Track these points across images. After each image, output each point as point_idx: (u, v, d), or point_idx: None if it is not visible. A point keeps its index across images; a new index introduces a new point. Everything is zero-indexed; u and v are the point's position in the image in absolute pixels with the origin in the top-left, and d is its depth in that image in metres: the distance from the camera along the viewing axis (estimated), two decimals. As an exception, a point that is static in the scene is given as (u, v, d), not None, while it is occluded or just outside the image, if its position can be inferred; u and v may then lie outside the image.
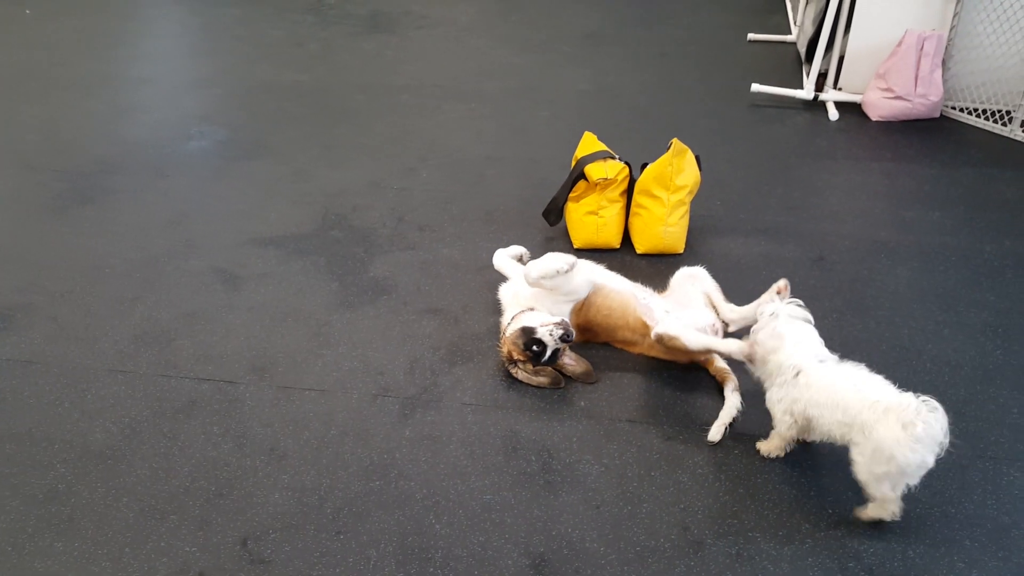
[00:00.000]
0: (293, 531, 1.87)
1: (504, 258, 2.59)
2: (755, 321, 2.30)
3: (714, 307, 2.37)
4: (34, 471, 2.05)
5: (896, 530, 1.83)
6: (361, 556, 1.81)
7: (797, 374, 1.86)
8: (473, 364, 2.35)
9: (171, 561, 1.81)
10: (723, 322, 2.34)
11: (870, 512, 1.82)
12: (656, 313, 2.30)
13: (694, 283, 2.40)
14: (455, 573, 1.77)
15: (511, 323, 2.29)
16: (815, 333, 1.95)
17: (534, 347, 2.18)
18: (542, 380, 2.23)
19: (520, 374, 2.24)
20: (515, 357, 2.23)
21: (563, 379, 2.25)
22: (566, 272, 2.25)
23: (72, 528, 1.89)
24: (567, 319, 2.27)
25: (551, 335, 2.17)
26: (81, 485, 2.01)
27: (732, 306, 2.36)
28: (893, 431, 1.66)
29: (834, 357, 1.91)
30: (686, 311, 2.32)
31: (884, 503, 1.78)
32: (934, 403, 1.67)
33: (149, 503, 1.95)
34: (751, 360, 1.98)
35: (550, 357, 2.20)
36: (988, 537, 1.81)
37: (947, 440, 1.68)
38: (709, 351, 2.16)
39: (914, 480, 1.74)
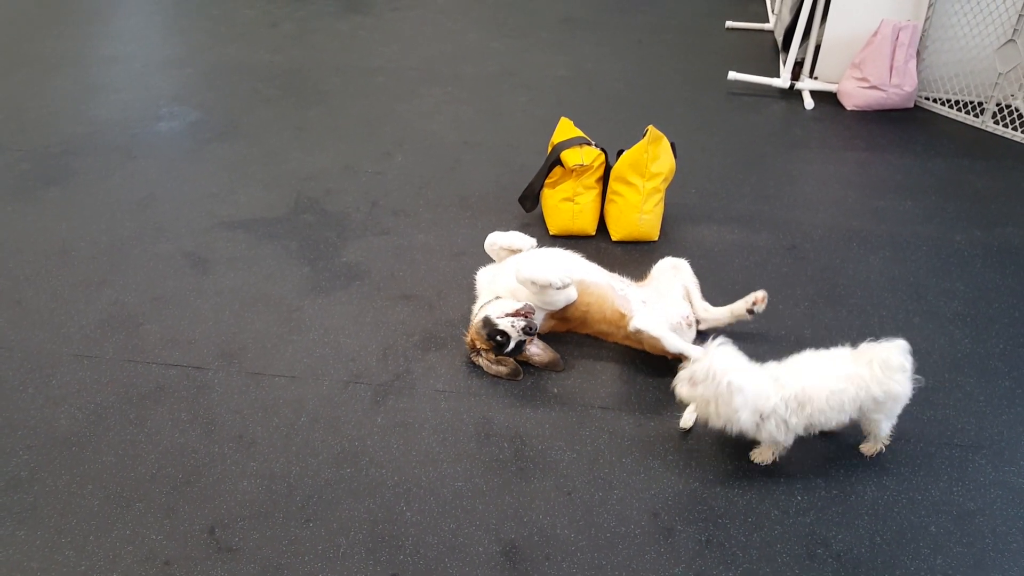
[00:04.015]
0: (262, 519, 1.85)
1: (500, 242, 2.44)
2: (727, 322, 2.35)
3: (690, 301, 2.37)
4: (-5, 458, 2.00)
5: (863, 516, 1.85)
6: (331, 544, 1.79)
7: (776, 379, 1.86)
8: (447, 351, 2.33)
9: (136, 549, 1.78)
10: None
11: (873, 447, 1.99)
12: (633, 304, 2.30)
13: (675, 274, 2.41)
14: (425, 560, 1.76)
15: (479, 311, 2.28)
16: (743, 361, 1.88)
17: (498, 337, 2.16)
18: (501, 370, 2.22)
19: (482, 362, 2.23)
20: (479, 346, 2.22)
21: (522, 371, 2.23)
22: (558, 288, 2.20)
23: (35, 516, 1.86)
24: (531, 305, 2.24)
25: (514, 326, 2.15)
26: (45, 472, 1.96)
27: (707, 305, 2.37)
28: (899, 381, 1.83)
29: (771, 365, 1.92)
30: (662, 301, 2.33)
31: (884, 437, 1.97)
32: (888, 341, 1.85)
33: (115, 490, 1.92)
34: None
35: (514, 348, 2.18)
36: (953, 523, 1.84)
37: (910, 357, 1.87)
38: (686, 358, 2.16)
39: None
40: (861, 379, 1.82)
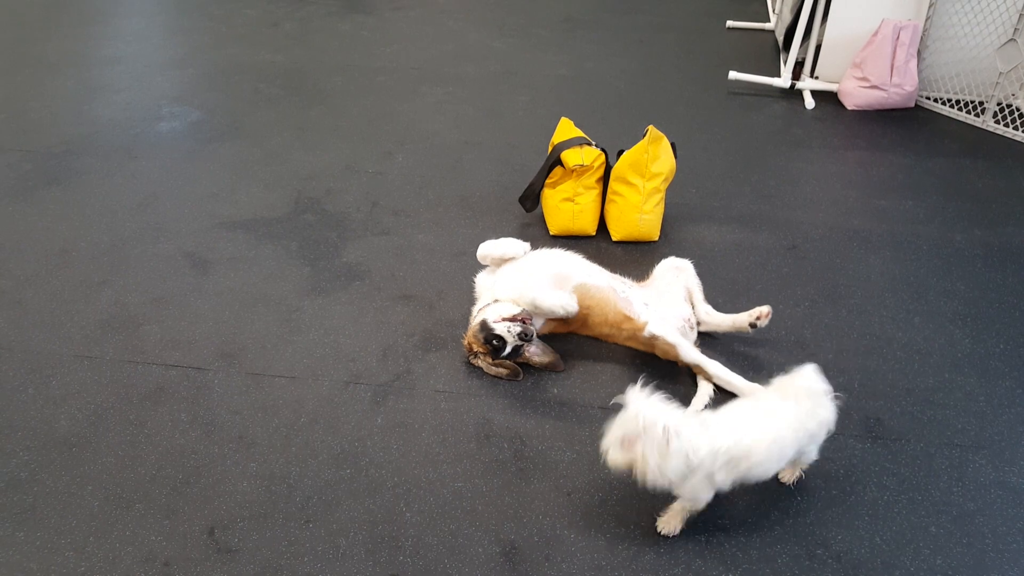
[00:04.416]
0: (261, 520, 1.85)
1: (492, 253, 2.39)
2: (726, 330, 2.33)
3: (692, 303, 2.37)
4: (-5, 459, 2.00)
5: (864, 517, 1.85)
6: (330, 544, 1.79)
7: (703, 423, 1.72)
8: (447, 351, 2.33)
9: (136, 550, 1.78)
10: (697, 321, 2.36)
11: (794, 474, 1.92)
12: (635, 306, 2.29)
13: (678, 275, 2.40)
14: (425, 561, 1.76)
15: (478, 314, 2.28)
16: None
17: (494, 342, 2.16)
18: (501, 371, 2.22)
19: (481, 363, 2.24)
20: (475, 349, 2.22)
21: (522, 372, 2.23)
22: (512, 258, 2.31)
23: (34, 517, 1.86)
24: (524, 309, 2.23)
25: (510, 331, 2.15)
26: (44, 473, 1.97)
27: (709, 308, 2.37)
28: (826, 407, 1.77)
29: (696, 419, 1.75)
30: (663, 302, 2.32)
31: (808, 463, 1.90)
32: (800, 369, 1.80)
33: (114, 491, 1.92)
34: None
35: (510, 352, 2.18)
36: (953, 523, 1.84)
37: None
38: (699, 368, 2.17)
39: None
40: (796, 419, 1.73)
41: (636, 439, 1.63)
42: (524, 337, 2.15)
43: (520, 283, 2.26)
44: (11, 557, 1.77)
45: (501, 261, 2.40)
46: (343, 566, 1.74)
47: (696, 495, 1.72)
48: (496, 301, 2.28)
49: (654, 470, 1.63)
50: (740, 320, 2.30)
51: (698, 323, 2.35)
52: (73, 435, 2.07)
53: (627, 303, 2.29)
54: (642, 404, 1.65)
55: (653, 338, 2.20)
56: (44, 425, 2.10)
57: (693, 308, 2.36)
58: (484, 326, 2.18)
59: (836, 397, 1.80)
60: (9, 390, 2.21)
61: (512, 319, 2.18)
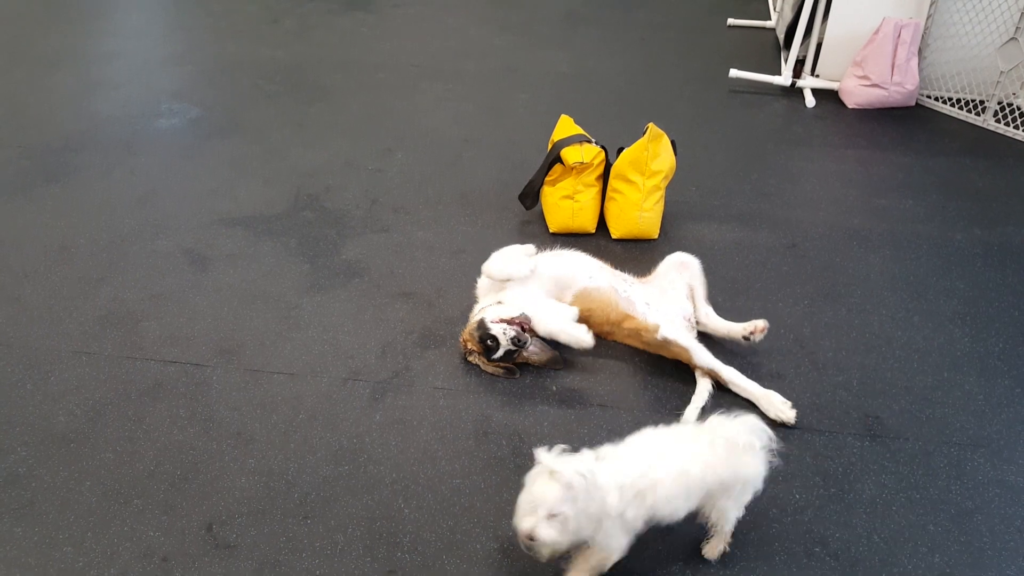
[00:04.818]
0: (259, 516, 1.85)
1: (497, 275, 2.31)
2: (721, 336, 2.28)
3: (693, 301, 2.36)
4: (-6, 454, 2.00)
5: (862, 515, 1.85)
6: (328, 541, 1.79)
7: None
8: (446, 348, 2.33)
9: (135, 546, 1.78)
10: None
11: (718, 546, 1.74)
12: (637, 306, 2.28)
13: (682, 272, 2.37)
14: (423, 557, 1.76)
15: (479, 312, 2.27)
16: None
17: (488, 342, 2.16)
18: (496, 370, 2.21)
19: (475, 360, 2.23)
20: (470, 348, 2.22)
21: (518, 371, 2.23)
22: (522, 275, 2.27)
23: (33, 512, 1.86)
24: (527, 315, 2.21)
25: (504, 334, 2.14)
26: (43, 469, 1.97)
27: (709, 310, 2.34)
28: (747, 462, 1.61)
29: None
30: (666, 296, 2.32)
31: (729, 531, 1.72)
32: (739, 416, 1.65)
33: (113, 487, 1.92)
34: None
35: (503, 356, 2.17)
36: (951, 522, 1.84)
37: (766, 430, 1.65)
38: (713, 373, 2.16)
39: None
40: (705, 460, 1.59)
41: (572, 503, 1.47)
42: (517, 343, 2.13)
43: (526, 303, 2.25)
44: (9, 552, 1.77)
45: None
46: (341, 562, 1.74)
47: (607, 545, 1.58)
48: (499, 303, 2.27)
49: (587, 530, 1.51)
50: (735, 330, 2.27)
51: (696, 323, 2.34)
52: (71, 431, 2.07)
53: (629, 303, 2.29)
54: (559, 463, 1.48)
55: (666, 342, 2.18)
56: (43, 421, 2.10)
57: (694, 307, 2.35)
58: (481, 325, 2.18)
59: (773, 454, 1.65)
60: (7, 386, 2.21)
61: (510, 322, 2.17)
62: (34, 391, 2.19)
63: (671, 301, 2.32)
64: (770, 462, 1.66)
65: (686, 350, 2.17)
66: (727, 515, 1.67)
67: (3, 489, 1.91)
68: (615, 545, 1.59)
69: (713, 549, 1.74)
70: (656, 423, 2.05)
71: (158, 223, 2.92)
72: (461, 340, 2.26)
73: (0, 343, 2.36)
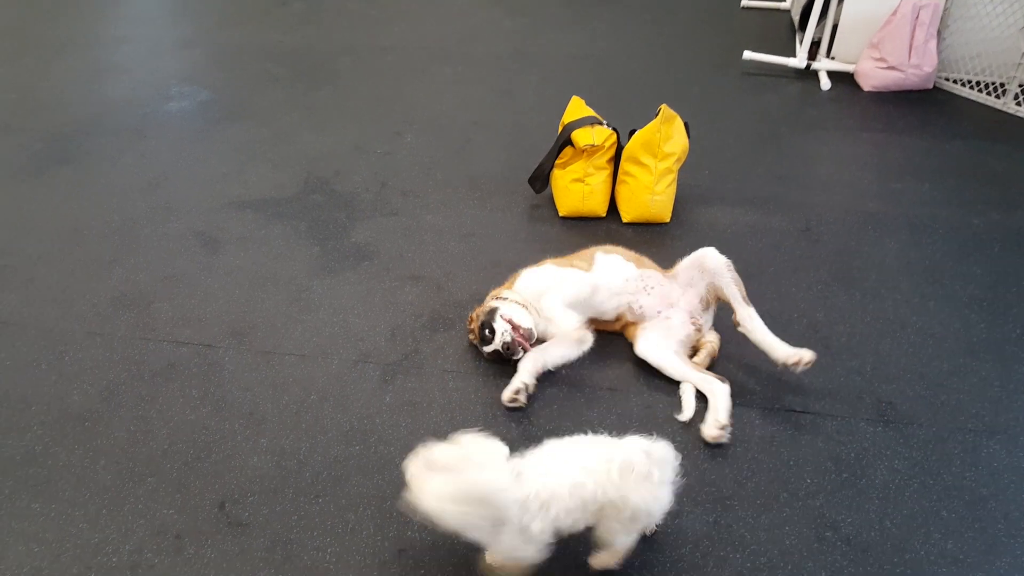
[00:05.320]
0: (271, 494, 1.86)
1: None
2: (763, 349, 2.09)
3: (718, 300, 2.19)
4: (10, 433, 2.02)
5: (874, 500, 1.84)
6: (339, 519, 1.80)
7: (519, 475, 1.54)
8: (455, 331, 2.33)
9: (148, 523, 1.80)
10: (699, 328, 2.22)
11: (605, 560, 1.66)
12: (647, 315, 2.23)
13: (703, 274, 2.19)
14: (433, 536, 1.76)
15: (498, 301, 2.21)
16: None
17: (487, 331, 2.14)
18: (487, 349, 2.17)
19: (472, 338, 2.22)
20: (470, 326, 2.21)
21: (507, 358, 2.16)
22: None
23: (49, 490, 1.88)
24: (534, 331, 2.14)
25: (503, 335, 2.11)
26: (58, 447, 1.98)
27: (752, 313, 2.12)
28: (639, 490, 1.51)
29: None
30: (685, 295, 2.24)
31: (622, 549, 1.65)
32: (650, 443, 1.56)
33: (127, 465, 1.93)
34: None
35: (492, 352, 2.15)
36: (965, 508, 1.82)
37: (676, 463, 1.56)
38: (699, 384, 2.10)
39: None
40: (599, 476, 1.51)
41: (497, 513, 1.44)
42: (507, 350, 2.11)
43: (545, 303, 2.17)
44: (27, 528, 1.79)
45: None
46: (352, 540, 1.75)
47: (512, 554, 1.54)
48: (525, 307, 2.20)
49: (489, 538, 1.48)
50: (777, 350, 2.07)
51: (737, 324, 2.16)
52: (86, 410, 2.08)
53: (640, 316, 2.24)
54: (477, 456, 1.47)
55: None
56: (58, 400, 2.12)
57: (712, 307, 2.22)
58: (491, 313, 2.16)
59: (672, 488, 1.55)
60: (23, 365, 2.23)
61: (515, 328, 2.13)
62: (49, 371, 2.21)
63: (687, 301, 2.22)
64: (672, 492, 1.55)
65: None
66: (615, 537, 1.58)
67: (21, 467, 1.93)
68: (519, 556, 1.54)
69: (602, 560, 1.66)
70: (665, 407, 2.07)
71: (169, 206, 2.93)
72: (470, 317, 2.26)
73: (15, 324, 2.38)
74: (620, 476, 1.49)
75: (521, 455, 1.59)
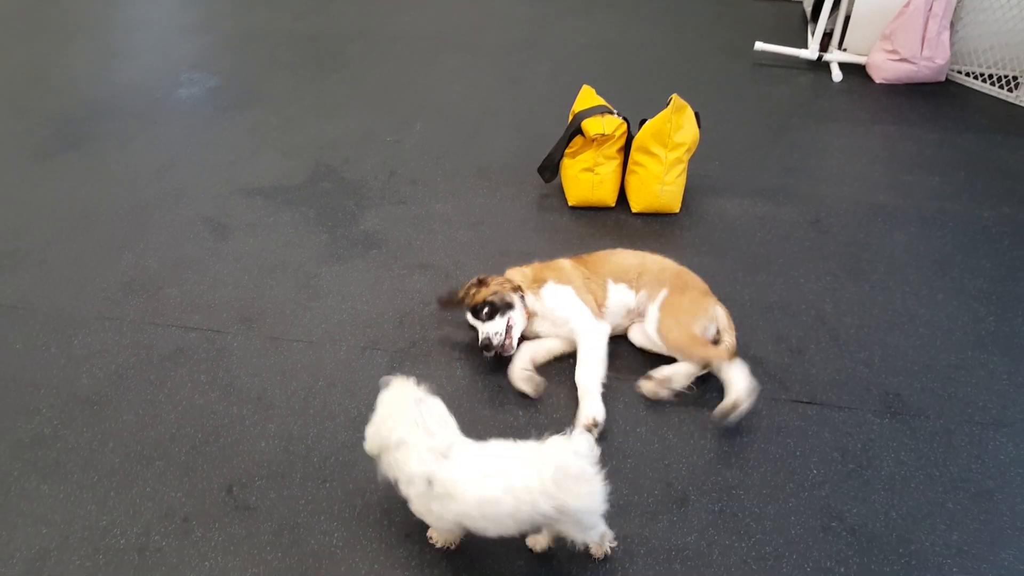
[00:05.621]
0: (279, 479, 1.87)
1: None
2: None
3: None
4: (20, 415, 2.04)
5: (880, 491, 1.84)
6: (347, 504, 1.81)
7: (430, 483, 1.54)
8: (463, 319, 2.33)
9: (156, 506, 1.81)
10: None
11: (595, 552, 1.68)
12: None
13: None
14: (439, 523, 1.77)
15: (518, 296, 2.19)
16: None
17: (483, 312, 2.12)
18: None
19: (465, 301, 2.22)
20: (470, 291, 2.19)
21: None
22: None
23: (58, 471, 1.90)
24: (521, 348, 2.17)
25: (497, 334, 2.10)
26: (67, 430, 2.00)
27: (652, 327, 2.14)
28: (578, 492, 1.47)
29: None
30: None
31: (595, 542, 1.65)
32: (572, 440, 1.50)
33: (135, 448, 1.95)
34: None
35: (471, 327, 2.16)
36: (971, 500, 1.82)
37: (596, 450, 1.51)
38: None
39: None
40: (526, 492, 1.46)
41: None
42: (485, 344, 2.10)
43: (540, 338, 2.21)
44: (36, 509, 1.81)
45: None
46: (359, 525, 1.77)
47: (423, 519, 1.61)
48: (534, 317, 2.20)
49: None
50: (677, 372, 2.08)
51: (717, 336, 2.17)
52: (95, 393, 2.10)
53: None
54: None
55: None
56: (67, 383, 2.13)
57: (723, 299, 2.22)
58: (507, 306, 2.14)
59: (603, 476, 1.51)
60: (33, 349, 2.24)
61: (507, 331, 2.12)
62: (58, 354, 2.23)
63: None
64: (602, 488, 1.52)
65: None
66: (577, 538, 1.57)
67: (30, 449, 1.95)
68: (430, 522, 1.63)
69: (539, 543, 1.68)
70: (669, 396, 2.07)
71: (179, 192, 2.94)
72: (478, 278, 2.21)
73: (25, 307, 2.39)
74: (556, 485, 1.45)
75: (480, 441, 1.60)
